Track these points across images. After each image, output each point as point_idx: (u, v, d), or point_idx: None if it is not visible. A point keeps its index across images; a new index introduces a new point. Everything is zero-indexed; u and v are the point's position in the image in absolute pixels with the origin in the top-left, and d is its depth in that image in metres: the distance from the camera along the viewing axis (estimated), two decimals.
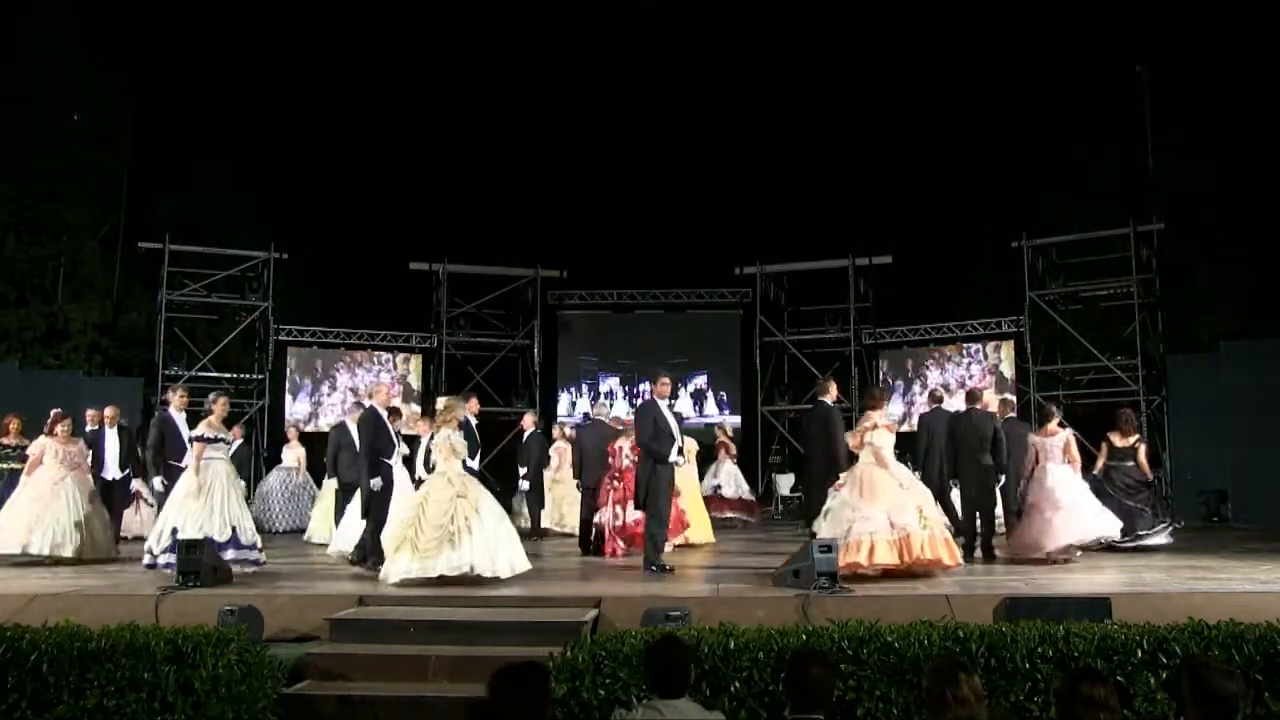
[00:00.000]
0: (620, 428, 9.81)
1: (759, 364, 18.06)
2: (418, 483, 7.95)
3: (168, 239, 15.77)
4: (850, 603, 5.95)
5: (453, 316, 17.97)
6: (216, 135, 16.85)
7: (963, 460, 8.72)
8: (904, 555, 6.92)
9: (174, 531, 7.38)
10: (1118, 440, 9.41)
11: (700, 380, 19.07)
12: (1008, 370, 16.71)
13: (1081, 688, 2.78)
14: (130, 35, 16.35)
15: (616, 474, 9.23)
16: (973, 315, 17.10)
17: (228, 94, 16.90)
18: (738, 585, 6.99)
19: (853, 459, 7.67)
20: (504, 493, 10.98)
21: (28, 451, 8.87)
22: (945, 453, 9.02)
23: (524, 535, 8.39)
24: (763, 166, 18.18)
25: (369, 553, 8.03)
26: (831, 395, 9.12)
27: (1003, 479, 8.77)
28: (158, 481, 8.74)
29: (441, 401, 8.10)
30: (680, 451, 8.16)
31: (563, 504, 11.60)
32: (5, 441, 9.65)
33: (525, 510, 11.41)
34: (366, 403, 8.73)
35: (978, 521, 8.63)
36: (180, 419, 8.98)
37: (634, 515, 8.82)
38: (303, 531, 11.35)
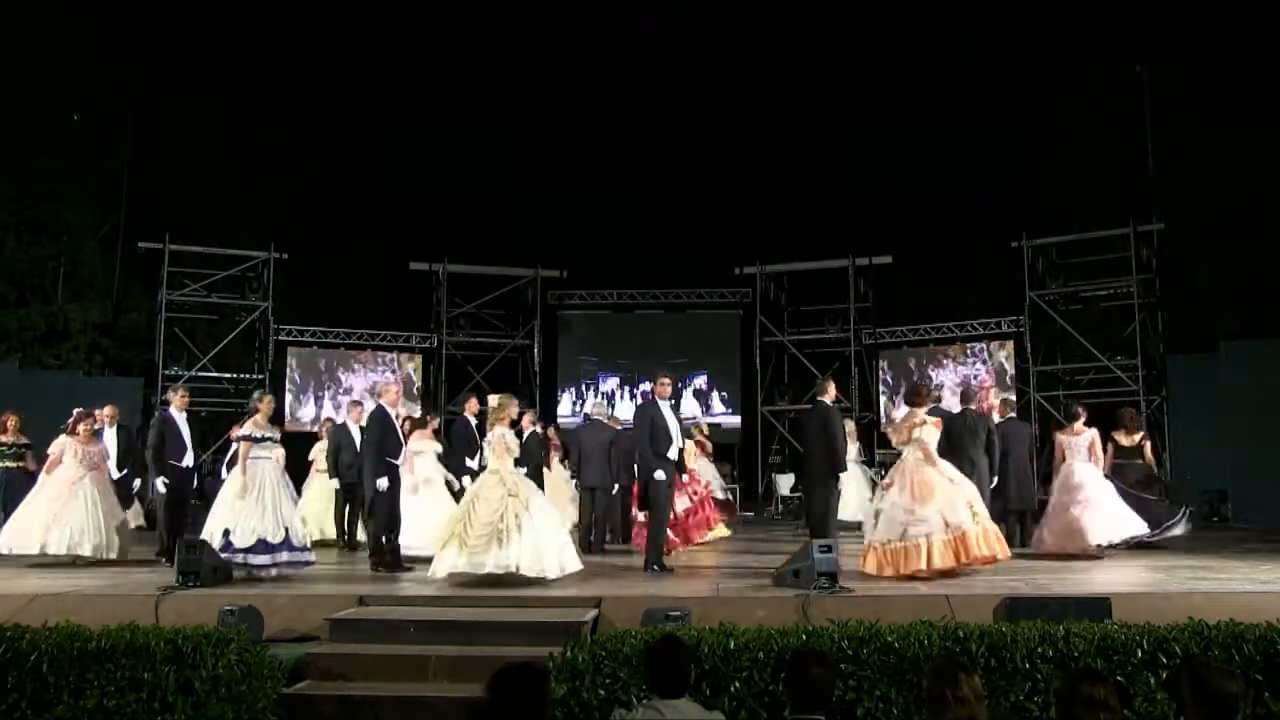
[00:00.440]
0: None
1: (759, 364, 18.03)
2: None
3: (168, 239, 15.75)
4: (850, 603, 5.95)
5: (453, 316, 17.95)
6: (216, 135, 16.86)
7: (957, 460, 8.69)
8: (960, 556, 6.81)
9: (225, 533, 7.15)
10: (1123, 439, 9.48)
11: (700, 380, 19.06)
12: (1008, 370, 16.69)
13: (1081, 688, 2.78)
14: (130, 35, 16.36)
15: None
16: (973, 315, 17.06)
17: (228, 94, 16.92)
18: (738, 585, 6.98)
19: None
20: None
21: (48, 450, 8.75)
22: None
23: None
24: (763, 166, 18.20)
25: (371, 554, 8.04)
26: (830, 395, 9.10)
27: (994, 480, 8.79)
28: (159, 482, 8.70)
29: (493, 400, 8.05)
30: (680, 452, 8.16)
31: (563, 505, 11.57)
32: (2, 439, 9.61)
33: None
34: (370, 402, 8.70)
35: None
36: (181, 419, 8.97)
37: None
38: None
